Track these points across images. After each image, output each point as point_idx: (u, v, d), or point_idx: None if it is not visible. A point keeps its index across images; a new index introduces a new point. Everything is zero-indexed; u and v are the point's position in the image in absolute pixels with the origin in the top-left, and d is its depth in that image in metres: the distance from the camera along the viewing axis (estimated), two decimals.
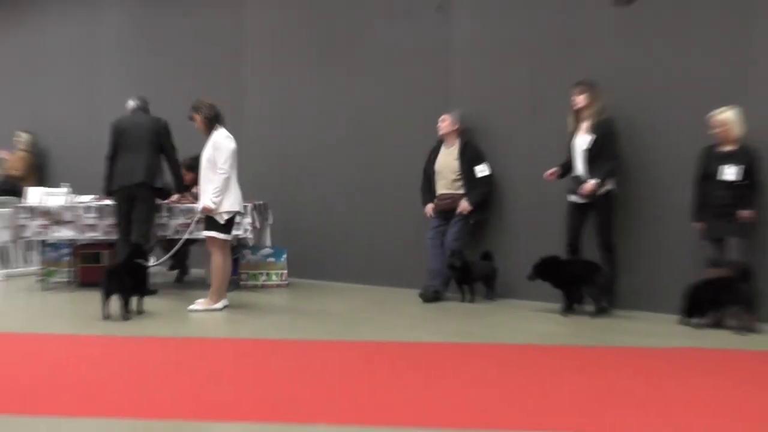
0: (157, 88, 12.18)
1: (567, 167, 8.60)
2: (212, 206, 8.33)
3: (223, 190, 8.36)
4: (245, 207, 9.39)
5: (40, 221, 9.68)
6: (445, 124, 9.37)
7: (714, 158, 7.76)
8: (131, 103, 9.95)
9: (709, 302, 7.60)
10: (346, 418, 4.85)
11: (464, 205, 9.24)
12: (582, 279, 8.24)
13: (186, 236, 9.12)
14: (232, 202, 8.46)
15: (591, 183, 8.26)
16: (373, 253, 10.41)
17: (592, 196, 8.32)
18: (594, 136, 8.33)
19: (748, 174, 7.65)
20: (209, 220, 8.47)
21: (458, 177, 9.31)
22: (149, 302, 8.42)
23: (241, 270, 10.19)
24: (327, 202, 10.80)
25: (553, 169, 8.60)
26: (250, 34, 11.54)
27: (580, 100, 8.38)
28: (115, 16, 13.07)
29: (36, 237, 10.09)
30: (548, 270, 8.28)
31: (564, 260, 8.41)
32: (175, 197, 9.97)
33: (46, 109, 13.87)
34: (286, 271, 10.31)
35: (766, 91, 7.89)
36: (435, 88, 9.87)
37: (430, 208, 9.51)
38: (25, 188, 10.80)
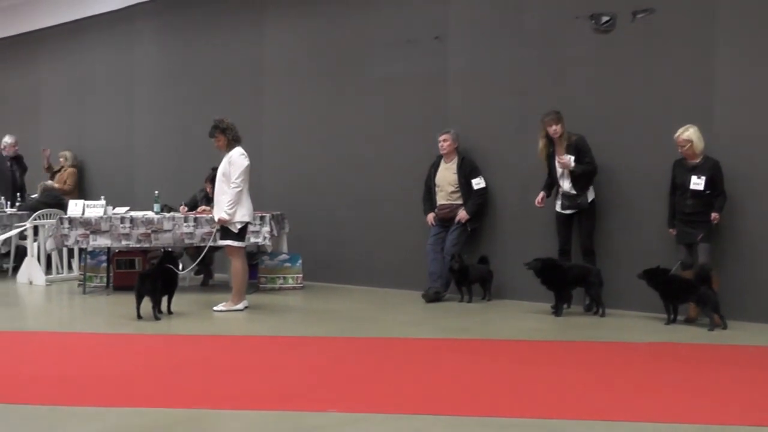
0: (186, 111, 12.40)
1: (549, 187, 8.68)
2: (227, 217, 8.34)
3: (236, 202, 8.36)
4: (264, 217, 9.50)
5: (80, 231, 9.69)
6: (448, 143, 9.40)
7: (683, 170, 7.80)
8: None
9: (675, 300, 7.67)
10: (353, 406, 4.88)
11: (462, 214, 9.27)
12: (578, 282, 8.22)
13: (210, 244, 9.12)
14: (244, 213, 8.46)
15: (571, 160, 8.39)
16: (379, 258, 10.42)
17: (577, 205, 8.40)
18: (572, 156, 8.41)
19: (713, 184, 7.68)
20: (225, 230, 8.50)
21: (456, 189, 9.35)
22: (177, 303, 8.44)
23: (260, 274, 10.21)
24: (338, 213, 10.82)
25: (540, 195, 8.67)
26: (267, 63, 11.60)
27: (557, 129, 8.43)
28: (148, 47, 13.19)
29: (77, 245, 10.12)
30: (546, 272, 8.19)
31: (561, 264, 8.34)
32: (200, 209, 10.04)
33: (87, 130, 14.04)
34: (301, 275, 10.34)
35: (725, 110, 7.95)
36: (433, 109, 9.90)
37: (431, 216, 9.53)
38: (67, 200, 10.85)
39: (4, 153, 13.36)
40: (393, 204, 10.30)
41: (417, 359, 6.25)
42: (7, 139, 13.37)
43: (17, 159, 13.47)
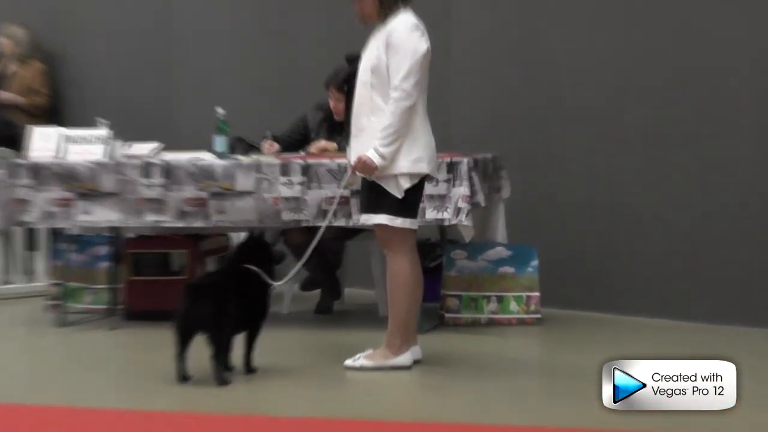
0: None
1: None
2: (378, 161, 7.76)
3: (402, 131, 7.81)
4: (455, 165, 9.11)
5: (54, 192, 9.53)
6: None
7: None
8: None
9: None
10: None
11: None
12: None
13: (327, 222, 8.72)
14: (418, 156, 7.90)
15: None
16: (706, 266, 10.14)
17: None
18: None
19: None
20: (375, 192, 7.95)
21: None
22: (267, 350, 8.21)
23: (446, 290, 9.88)
24: (610, 167, 10.65)
25: None
26: None
27: None
28: None
29: (46, 223, 9.98)
30: None
31: None
32: (315, 146, 9.84)
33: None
34: (537, 294, 9.92)
35: None
36: None
37: None
38: (26, 130, 10.78)
39: None
40: (737, 155, 10.07)
41: None
42: None
43: None
